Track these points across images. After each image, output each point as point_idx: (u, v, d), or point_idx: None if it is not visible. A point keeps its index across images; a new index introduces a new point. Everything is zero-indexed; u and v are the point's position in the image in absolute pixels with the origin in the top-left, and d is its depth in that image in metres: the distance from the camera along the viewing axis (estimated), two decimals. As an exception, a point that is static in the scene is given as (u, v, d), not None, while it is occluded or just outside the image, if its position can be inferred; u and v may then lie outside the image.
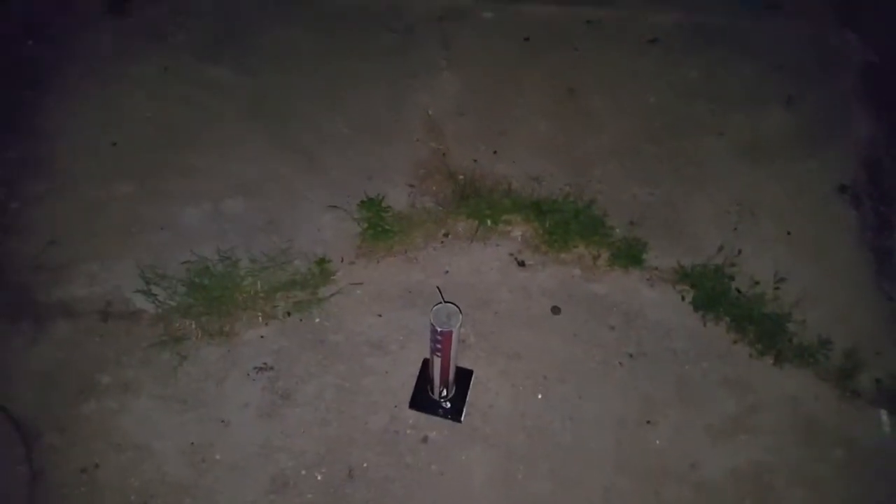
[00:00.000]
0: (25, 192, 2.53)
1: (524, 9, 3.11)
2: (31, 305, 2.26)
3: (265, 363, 2.15)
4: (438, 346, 1.74)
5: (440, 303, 1.70)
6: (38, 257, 2.36)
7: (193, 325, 2.18)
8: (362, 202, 2.40)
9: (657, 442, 2.05)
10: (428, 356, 2.11)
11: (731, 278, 2.32)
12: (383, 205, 2.40)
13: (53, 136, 2.69)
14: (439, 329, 1.66)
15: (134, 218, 2.47)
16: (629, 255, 2.31)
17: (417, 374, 2.11)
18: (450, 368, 1.88)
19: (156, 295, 2.21)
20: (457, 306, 1.69)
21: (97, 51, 2.96)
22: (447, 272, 2.35)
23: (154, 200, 2.52)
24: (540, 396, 2.10)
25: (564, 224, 2.35)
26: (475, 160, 2.65)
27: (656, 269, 2.35)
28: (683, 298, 2.30)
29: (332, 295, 2.27)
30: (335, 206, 2.42)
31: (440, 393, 2.01)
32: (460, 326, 1.72)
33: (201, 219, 2.47)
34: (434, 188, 2.57)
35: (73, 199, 2.52)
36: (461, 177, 2.58)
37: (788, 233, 2.46)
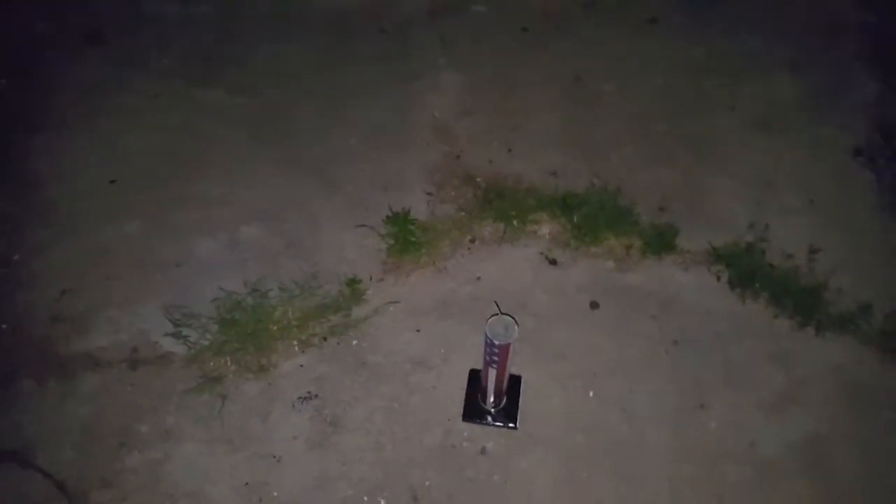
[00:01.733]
0: (27, 241, 2.42)
1: (516, -2, 3.04)
2: (54, 361, 2.16)
3: (309, 392, 2.09)
4: (495, 358, 1.70)
5: (495, 314, 1.66)
6: (54, 308, 2.26)
7: (229, 362, 2.11)
8: (388, 217, 2.34)
9: (713, 425, 2.05)
10: (474, 367, 2.08)
11: (763, 253, 2.32)
12: (410, 217, 2.33)
13: (48, 180, 2.57)
14: (496, 342, 1.62)
15: (147, 256, 2.38)
16: (661, 243, 2.29)
17: (466, 385, 2.07)
18: (505, 378, 1.84)
19: (187, 336, 2.13)
20: (512, 317, 1.65)
21: (80, 84, 2.84)
22: (479, 279, 2.31)
23: (165, 236, 2.42)
24: (591, 394, 2.08)
25: (592, 217, 2.32)
26: (490, 160, 2.60)
27: (689, 252, 2.33)
28: (719, 279, 2.29)
29: (368, 316, 2.21)
30: (363, 225, 2.35)
31: (493, 403, 1.98)
32: (517, 338, 1.67)
33: (218, 250, 2.38)
34: (453, 193, 2.51)
35: (80, 243, 2.41)
36: (479, 179, 2.53)
37: (811, 201, 2.46)
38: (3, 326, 2.23)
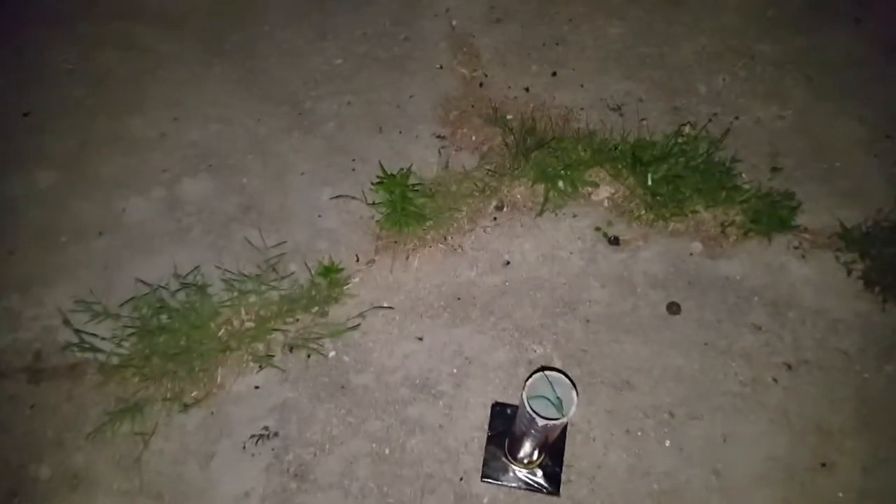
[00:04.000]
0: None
1: None
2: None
3: (266, 428, 1.50)
4: (534, 433, 1.07)
5: (540, 370, 1.02)
6: (-63, 291, 1.69)
7: (156, 383, 1.52)
8: (380, 180, 1.65)
9: (840, 494, 1.43)
10: (498, 399, 1.47)
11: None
12: (410, 182, 1.64)
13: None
14: (540, 423, 0.98)
15: (61, 221, 1.76)
16: (774, 218, 1.59)
17: (487, 425, 1.46)
18: (547, 444, 1.22)
19: (100, 349, 1.53)
20: (567, 376, 1.01)
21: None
22: (508, 264, 1.65)
23: (87, 192, 1.80)
24: (668, 443, 1.46)
25: (675, 177, 1.61)
26: (527, 88, 1.88)
27: (808, 232, 1.63)
28: (850, 272, 1.60)
29: (351, 318, 1.59)
30: (342, 195, 1.67)
31: (528, 457, 1.37)
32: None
33: (153, 213, 1.75)
34: (473, 137, 1.81)
35: (-24, 199, 1.80)
36: (510, 117, 1.82)
37: None
38: None
